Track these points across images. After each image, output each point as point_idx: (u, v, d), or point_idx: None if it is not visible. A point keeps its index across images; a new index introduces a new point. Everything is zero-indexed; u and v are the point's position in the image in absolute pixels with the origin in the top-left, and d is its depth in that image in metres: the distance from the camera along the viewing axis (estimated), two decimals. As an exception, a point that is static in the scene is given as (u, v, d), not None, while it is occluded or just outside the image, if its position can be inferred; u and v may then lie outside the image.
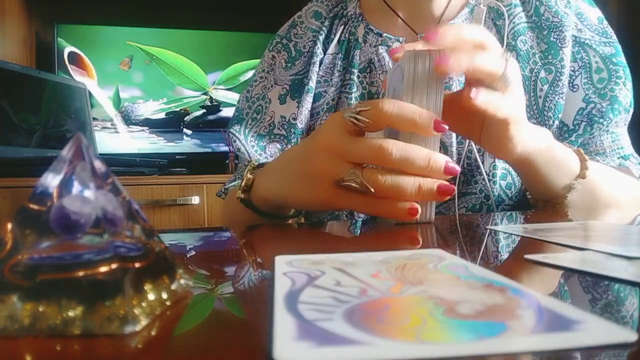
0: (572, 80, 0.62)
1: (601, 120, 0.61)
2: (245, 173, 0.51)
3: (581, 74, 0.62)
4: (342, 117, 0.39)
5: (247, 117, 0.72)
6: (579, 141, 0.62)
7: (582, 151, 0.53)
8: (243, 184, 0.50)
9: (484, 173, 0.60)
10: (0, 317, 0.17)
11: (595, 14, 0.64)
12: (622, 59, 0.63)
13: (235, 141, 0.71)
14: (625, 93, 0.61)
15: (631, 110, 0.63)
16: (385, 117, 0.38)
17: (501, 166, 0.61)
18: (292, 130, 0.68)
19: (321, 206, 0.45)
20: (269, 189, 0.48)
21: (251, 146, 0.69)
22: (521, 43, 0.62)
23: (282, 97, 0.69)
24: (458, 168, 0.39)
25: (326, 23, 0.70)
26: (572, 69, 0.62)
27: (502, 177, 0.61)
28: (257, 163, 0.53)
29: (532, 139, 0.46)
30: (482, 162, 0.60)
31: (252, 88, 0.73)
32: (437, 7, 0.65)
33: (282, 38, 0.72)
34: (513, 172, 0.61)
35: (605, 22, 0.64)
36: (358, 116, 0.38)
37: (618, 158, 0.62)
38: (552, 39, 0.62)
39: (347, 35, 0.69)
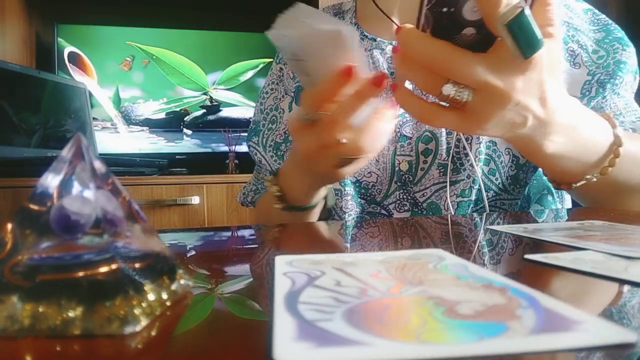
0: (573, 59, 0.62)
1: (612, 79, 0.60)
2: (269, 187, 0.58)
3: (581, 53, 0.61)
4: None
5: (263, 127, 0.77)
6: (592, 104, 0.61)
7: (610, 116, 0.49)
8: (275, 197, 0.58)
9: (472, 157, 0.61)
10: (0, 317, 0.17)
11: (580, 6, 0.65)
12: (615, 34, 0.62)
13: (256, 154, 0.77)
14: (627, 55, 0.61)
15: (638, 78, 0.62)
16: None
17: (485, 152, 0.62)
18: None
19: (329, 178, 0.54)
20: (296, 189, 0.56)
21: (270, 156, 0.75)
22: None
23: (290, 105, 0.73)
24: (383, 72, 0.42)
25: None
26: (571, 49, 0.62)
27: (485, 163, 0.62)
28: (270, 176, 0.59)
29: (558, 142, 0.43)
30: (470, 148, 0.61)
31: (264, 100, 0.78)
32: None
33: None
34: (496, 159, 0.62)
35: (591, 12, 0.65)
36: None
37: (636, 119, 0.61)
38: None
39: None
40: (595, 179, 0.48)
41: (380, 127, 0.44)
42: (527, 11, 0.32)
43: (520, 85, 0.36)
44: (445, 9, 0.34)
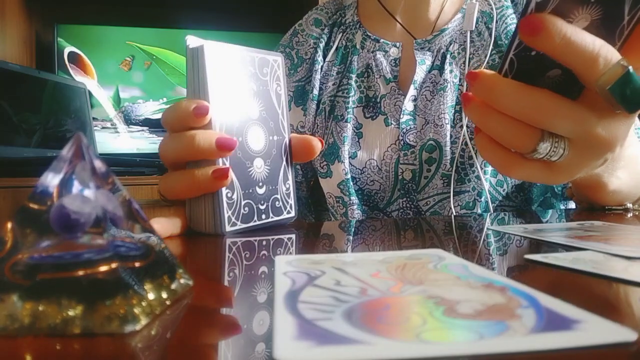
0: None
1: None
2: None
3: None
4: None
5: None
6: None
7: None
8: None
9: (478, 169, 0.60)
10: (0, 316, 0.17)
11: None
12: None
13: None
14: None
15: None
16: None
17: None
18: None
19: None
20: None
21: None
22: None
23: (289, 105, 0.70)
24: (233, 139, 0.37)
25: (326, 30, 0.71)
26: None
27: (492, 175, 0.61)
28: None
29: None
30: (476, 159, 0.60)
31: None
32: (433, 13, 0.67)
33: (284, 47, 0.74)
34: None
35: None
36: None
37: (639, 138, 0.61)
38: None
39: (344, 42, 0.70)
40: (632, 207, 0.48)
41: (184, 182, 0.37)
42: (631, 69, 0.28)
43: (623, 133, 0.32)
44: (534, 52, 0.30)
